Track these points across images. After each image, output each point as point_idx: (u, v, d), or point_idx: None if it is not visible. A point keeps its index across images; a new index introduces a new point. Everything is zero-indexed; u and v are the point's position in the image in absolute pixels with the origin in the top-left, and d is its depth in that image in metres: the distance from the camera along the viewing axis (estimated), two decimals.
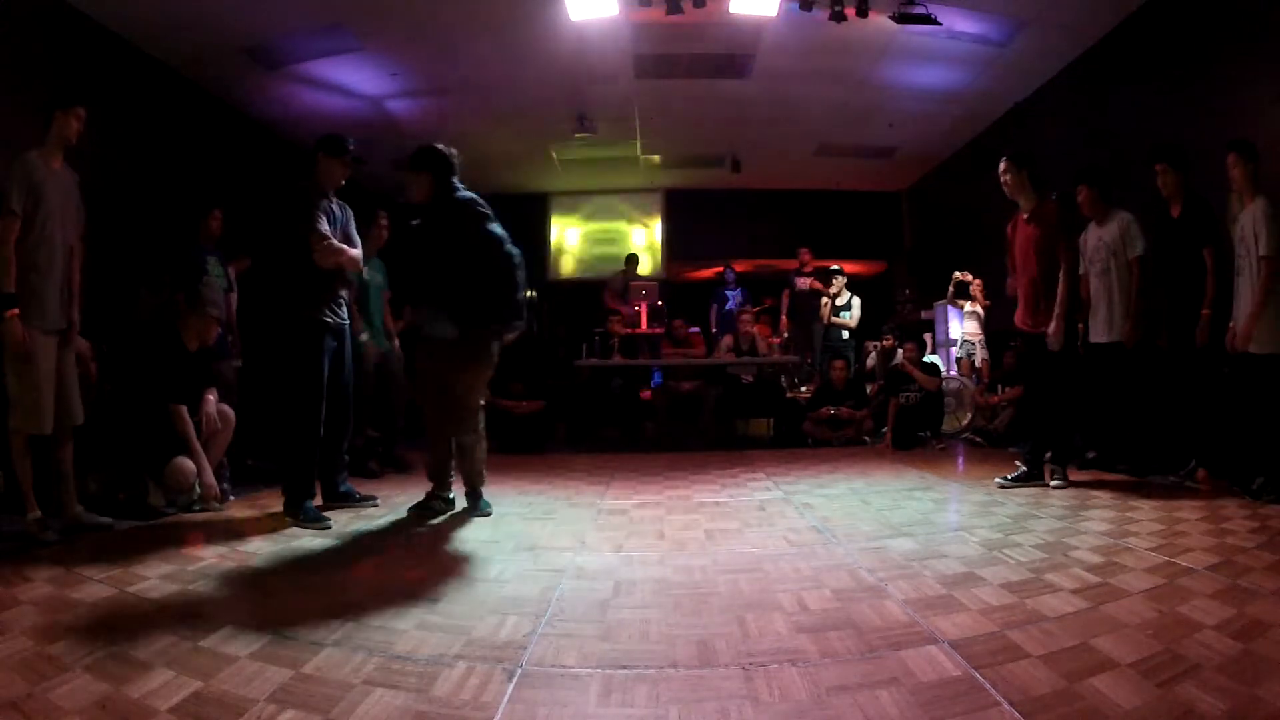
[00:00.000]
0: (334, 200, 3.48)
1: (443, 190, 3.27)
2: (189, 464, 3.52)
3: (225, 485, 3.86)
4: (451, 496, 3.51)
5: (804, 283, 8.17)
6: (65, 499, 3.13)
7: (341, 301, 3.49)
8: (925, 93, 6.93)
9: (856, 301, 7.59)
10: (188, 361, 3.73)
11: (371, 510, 3.52)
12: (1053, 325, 3.71)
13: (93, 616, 2.01)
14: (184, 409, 3.58)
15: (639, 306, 7.12)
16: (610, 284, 8.03)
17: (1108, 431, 4.31)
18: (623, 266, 8.37)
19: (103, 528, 3.11)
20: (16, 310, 2.88)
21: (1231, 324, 3.55)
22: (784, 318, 8.30)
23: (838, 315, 7.56)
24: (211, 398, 3.78)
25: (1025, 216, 3.90)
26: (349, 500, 3.60)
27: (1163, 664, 1.59)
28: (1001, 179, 3.90)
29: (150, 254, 4.73)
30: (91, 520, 3.14)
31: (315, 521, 3.18)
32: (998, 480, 3.89)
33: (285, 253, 3.34)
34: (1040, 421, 3.95)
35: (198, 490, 3.58)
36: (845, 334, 7.58)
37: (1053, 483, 3.74)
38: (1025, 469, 3.88)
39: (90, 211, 3.26)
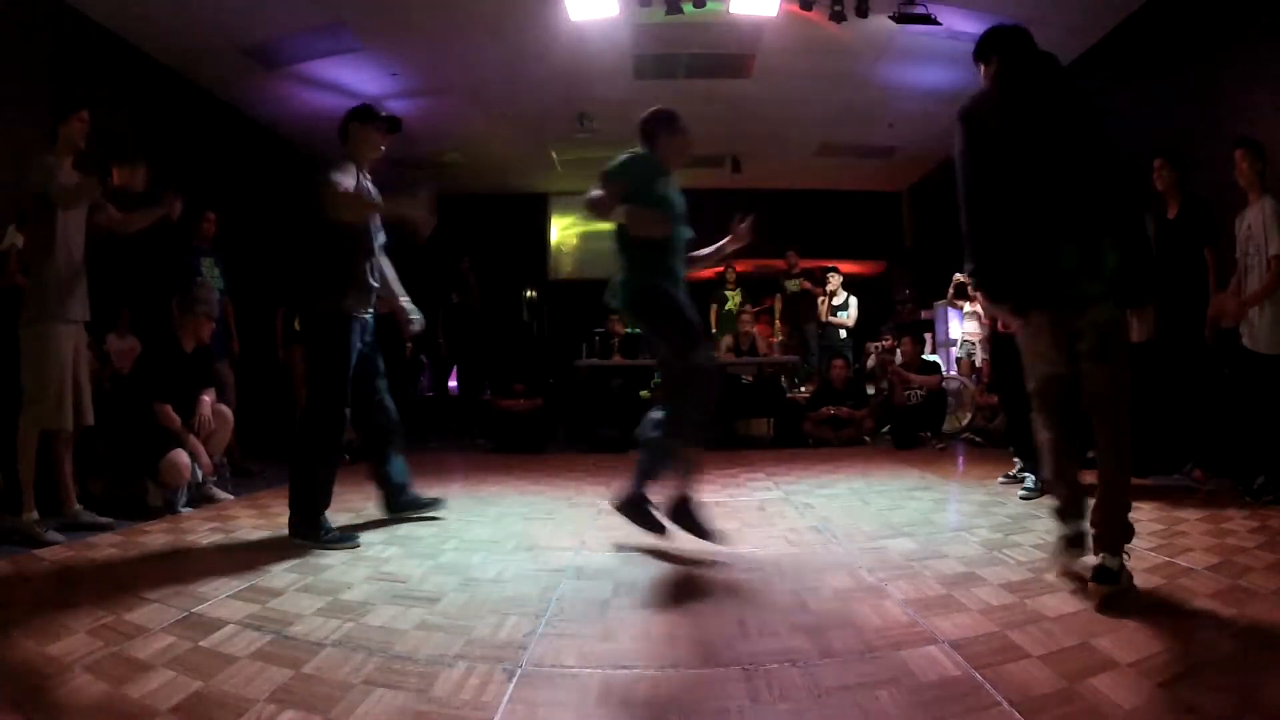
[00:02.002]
0: (367, 175, 3.09)
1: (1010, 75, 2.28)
2: (184, 458, 3.53)
3: (228, 485, 3.87)
4: None
5: (794, 284, 8.19)
6: (65, 498, 3.14)
7: (373, 292, 3.08)
8: (925, 93, 6.92)
9: (854, 301, 7.60)
10: (184, 362, 3.74)
11: (372, 510, 3.51)
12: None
13: (93, 616, 2.01)
14: (168, 407, 3.59)
15: None
16: None
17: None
18: None
19: (103, 528, 3.11)
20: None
21: (1211, 312, 3.57)
22: (778, 321, 8.31)
23: (835, 315, 7.56)
24: (208, 398, 3.78)
25: None
26: (414, 507, 3.28)
27: (1163, 664, 1.59)
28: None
29: (146, 255, 4.74)
30: (91, 520, 3.14)
31: (340, 541, 2.82)
32: (1000, 478, 3.88)
33: (308, 239, 2.99)
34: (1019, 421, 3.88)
35: (199, 477, 3.60)
36: (843, 333, 7.58)
37: (1020, 492, 3.55)
38: (1022, 464, 3.86)
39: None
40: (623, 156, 2.85)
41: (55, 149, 3.11)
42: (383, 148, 3.16)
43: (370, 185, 3.11)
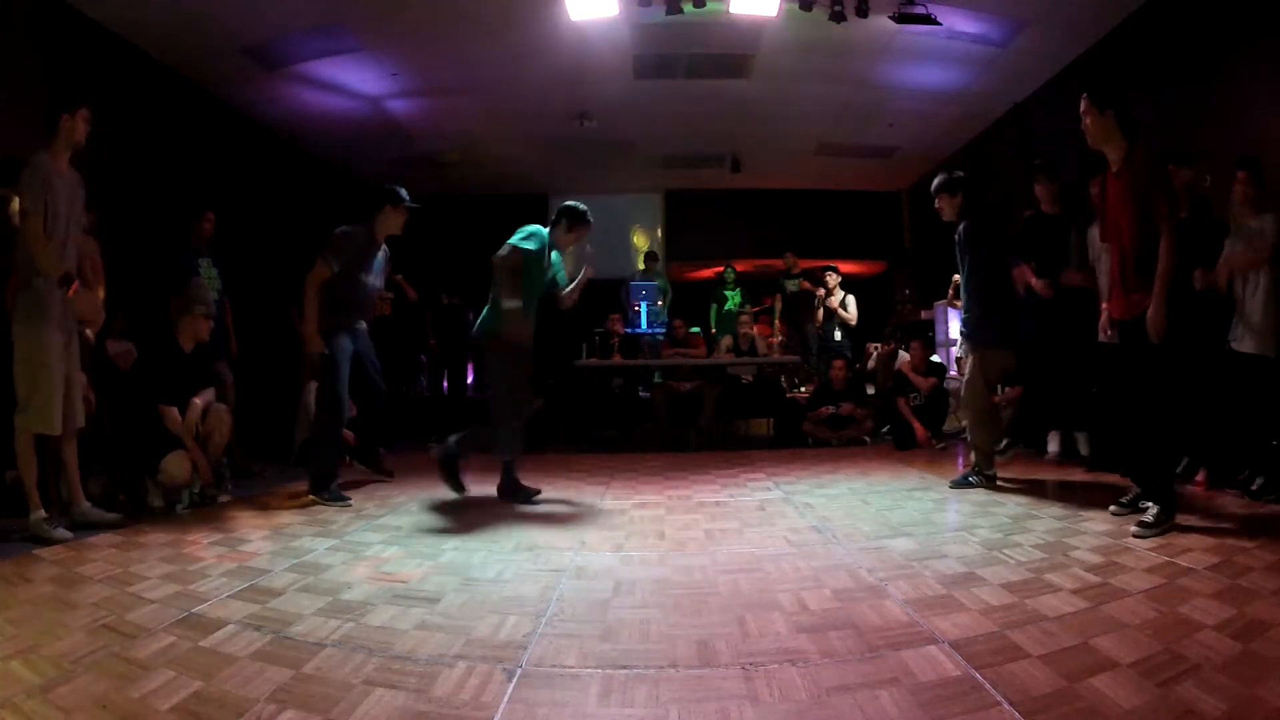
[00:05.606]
0: (383, 248, 3.99)
1: (969, 209, 4.05)
2: (183, 458, 3.53)
3: (226, 486, 3.86)
4: None
5: (793, 284, 8.21)
6: (72, 497, 3.14)
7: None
8: (925, 93, 6.92)
9: (851, 299, 7.62)
10: (183, 363, 3.73)
11: (372, 510, 3.52)
12: (1151, 308, 2.78)
13: (93, 616, 2.01)
14: (173, 410, 3.58)
15: (636, 307, 7.12)
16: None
17: (1109, 431, 4.29)
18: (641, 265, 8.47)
19: (112, 525, 3.12)
20: (76, 283, 3.06)
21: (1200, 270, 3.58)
22: (778, 321, 8.32)
23: (843, 308, 7.57)
24: (198, 401, 3.75)
25: (1115, 170, 3.02)
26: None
27: (1163, 664, 1.59)
28: (1083, 123, 3.06)
29: (142, 258, 4.74)
30: (99, 517, 3.14)
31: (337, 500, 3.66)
32: (1113, 507, 3.12)
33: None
34: (1145, 440, 3.04)
35: (196, 484, 3.59)
36: (838, 335, 7.59)
37: (1133, 529, 2.74)
38: (1140, 490, 3.08)
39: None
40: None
41: (53, 144, 3.05)
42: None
43: (382, 255, 3.98)
